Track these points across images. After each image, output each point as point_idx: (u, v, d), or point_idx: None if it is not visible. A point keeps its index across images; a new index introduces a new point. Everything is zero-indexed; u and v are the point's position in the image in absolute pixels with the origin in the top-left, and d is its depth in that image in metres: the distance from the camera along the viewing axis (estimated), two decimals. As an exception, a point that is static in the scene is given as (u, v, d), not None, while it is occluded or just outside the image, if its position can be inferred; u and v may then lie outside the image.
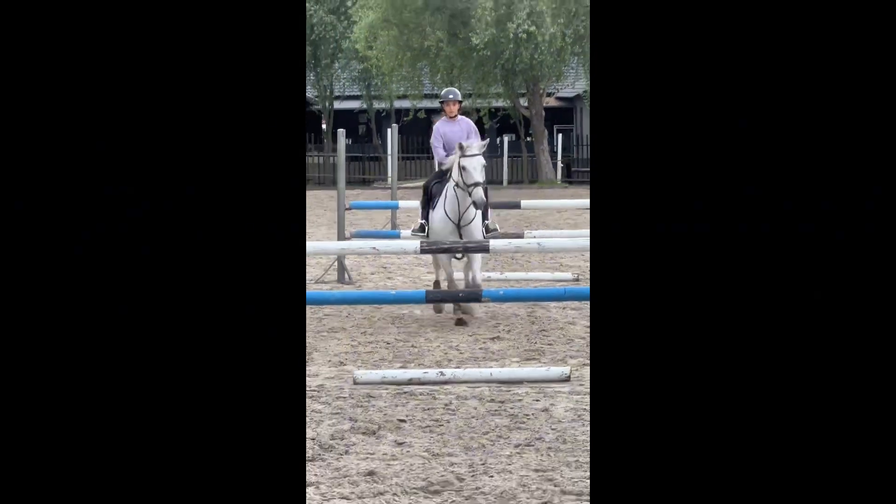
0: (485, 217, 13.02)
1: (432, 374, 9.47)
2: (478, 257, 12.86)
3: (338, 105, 52.29)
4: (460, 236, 12.63)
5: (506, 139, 50.82)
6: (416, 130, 47.87)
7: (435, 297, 10.46)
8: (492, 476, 6.80)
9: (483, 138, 13.31)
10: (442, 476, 6.87)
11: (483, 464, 7.08)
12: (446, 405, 8.76)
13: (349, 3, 47.22)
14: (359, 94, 52.83)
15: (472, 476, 6.84)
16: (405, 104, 49.10)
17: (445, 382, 9.35)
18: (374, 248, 10.96)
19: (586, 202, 17.41)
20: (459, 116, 13.73)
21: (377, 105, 51.79)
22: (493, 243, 10.76)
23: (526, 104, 47.94)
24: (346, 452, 7.41)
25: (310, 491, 6.54)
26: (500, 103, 49.99)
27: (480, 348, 11.30)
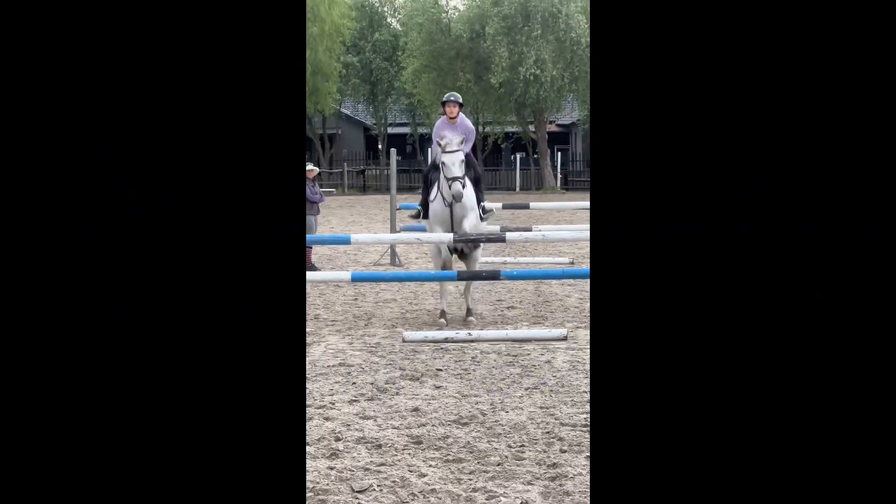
0: (479, 198, 11.05)
1: (462, 334, 9.48)
2: (475, 259, 11.18)
3: (391, 130, 53.15)
4: (452, 212, 10.73)
5: (518, 156, 51.91)
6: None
7: (464, 276, 10.38)
8: (507, 412, 6.84)
9: (473, 143, 11.40)
10: (469, 412, 6.91)
11: (501, 402, 7.14)
12: (473, 358, 8.83)
13: (399, 53, 47.54)
14: (406, 122, 53.29)
15: (493, 412, 6.90)
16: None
17: (472, 341, 9.41)
18: (417, 238, 10.91)
19: (581, 203, 17.65)
20: (460, 117, 11.34)
21: (420, 130, 52.04)
22: (508, 235, 10.35)
23: (533, 129, 48.31)
24: (397, 394, 7.45)
25: (368, 423, 6.54)
26: (513, 129, 51.59)
27: (499, 315, 11.32)
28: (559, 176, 50.12)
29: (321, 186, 13.35)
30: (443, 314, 10.86)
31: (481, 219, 11.04)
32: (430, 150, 23.34)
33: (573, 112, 52.46)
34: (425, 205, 11.20)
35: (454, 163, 10.61)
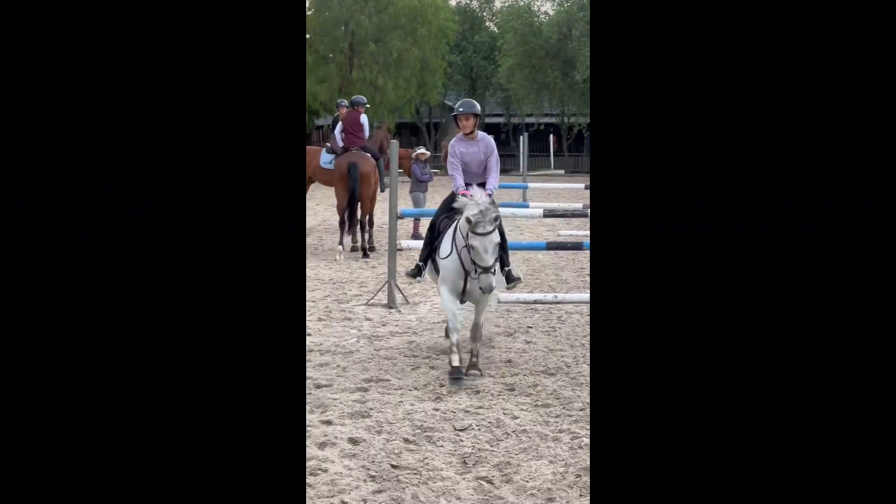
0: (504, 262, 6.84)
1: (549, 297, 9.35)
2: (484, 303, 6.62)
3: (488, 120, 52.67)
4: (466, 283, 6.55)
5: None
6: (538, 137, 47.87)
7: (553, 246, 10.25)
8: (587, 365, 6.74)
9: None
10: (556, 364, 6.86)
11: (582, 357, 7.08)
12: (559, 317, 8.76)
13: (496, 53, 46.99)
14: (501, 112, 52.48)
15: (576, 364, 6.85)
16: (531, 120, 49.36)
17: (558, 303, 9.28)
18: (511, 213, 10.88)
19: None
20: (479, 134, 7.12)
21: (514, 120, 51.52)
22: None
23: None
24: (492, 347, 7.40)
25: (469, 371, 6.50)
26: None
27: (582, 280, 11.14)
28: None
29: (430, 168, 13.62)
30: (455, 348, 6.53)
31: (507, 288, 6.99)
32: (521, 138, 20.97)
33: None
34: (425, 261, 7.09)
35: (486, 249, 6.22)
